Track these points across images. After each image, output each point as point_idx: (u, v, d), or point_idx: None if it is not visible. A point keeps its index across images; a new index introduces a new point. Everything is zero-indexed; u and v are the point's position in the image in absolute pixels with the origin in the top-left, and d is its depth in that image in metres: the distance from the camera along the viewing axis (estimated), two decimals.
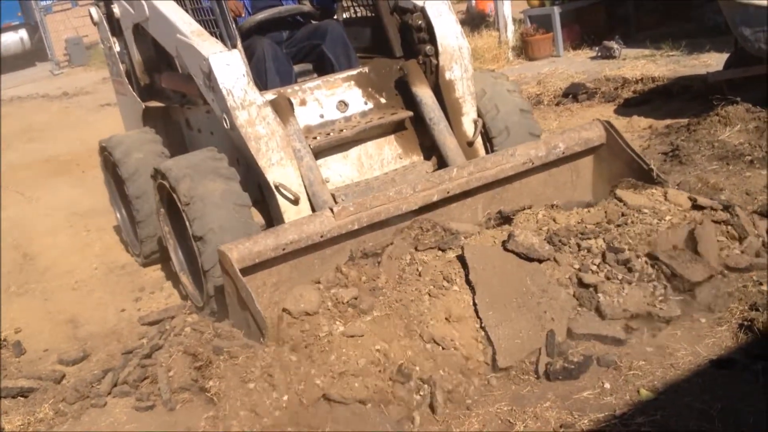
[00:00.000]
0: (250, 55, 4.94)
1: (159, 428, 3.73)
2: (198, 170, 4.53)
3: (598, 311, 3.73)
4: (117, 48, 6.40)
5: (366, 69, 5.07)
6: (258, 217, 4.64)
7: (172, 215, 4.93)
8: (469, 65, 4.96)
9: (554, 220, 4.25)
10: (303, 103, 4.83)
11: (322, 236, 3.99)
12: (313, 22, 5.65)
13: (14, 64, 24.49)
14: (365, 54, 5.48)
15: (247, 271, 3.82)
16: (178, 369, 4.03)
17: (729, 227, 4.09)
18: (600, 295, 3.76)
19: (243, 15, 5.42)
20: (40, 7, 24.58)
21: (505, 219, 4.34)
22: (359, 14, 5.91)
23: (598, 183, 4.79)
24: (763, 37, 6.16)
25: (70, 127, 12.68)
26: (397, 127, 5.04)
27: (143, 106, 6.10)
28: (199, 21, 4.86)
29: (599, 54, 10.55)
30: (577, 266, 3.91)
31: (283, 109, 4.60)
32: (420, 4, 4.94)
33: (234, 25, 4.70)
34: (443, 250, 4.02)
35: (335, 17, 5.90)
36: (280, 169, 4.45)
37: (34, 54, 25.72)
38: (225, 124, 4.48)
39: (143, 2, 5.36)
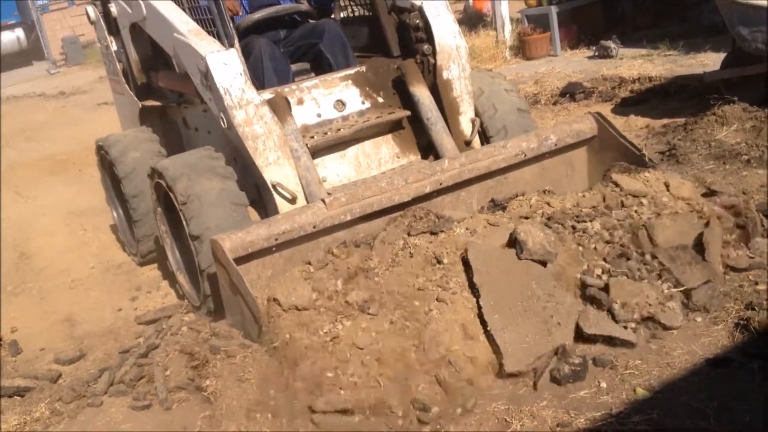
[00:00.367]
0: (247, 54, 4.93)
1: (155, 427, 3.73)
2: (195, 169, 4.53)
3: (611, 313, 3.71)
4: (114, 47, 6.39)
5: (363, 68, 5.06)
6: (255, 217, 4.63)
7: (169, 214, 4.92)
8: (466, 64, 4.96)
9: (548, 204, 4.25)
10: (300, 102, 4.82)
11: (314, 227, 3.99)
12: (311, 21, 5.64)
13: (11, 63, 24.47)
14: (363, 53, 5.48)
15: (240, 261, 3.82)
16: (174, 368, 4.04)
17: (737, 228, 4.08)
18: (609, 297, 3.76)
19: (240, 13, 5.42)
20: (36, 6, 24.57)
21: (498, 207, 4.35)
22: (357, 13, 5.90)
23: (593, 175, 4.79)
24: (760, 36, 6.17)
25: (66, 126, 12.66)
26: (394, 127, 5.04)
27: (140, 105, 6.10)
28: (196, 20, 4.85)
29: (596, 53, 10.56)
30: (581, 267, 3.90)
31: (280, 109, 4.59)
32: (417, 3, 4.94)
33: (231, 24, 4.69)
34: (435, 234, 4.02)
35: (332, 16, 5.89)
36: (277, 169, 4.44)
37: (31, 53, 25.73)
38: (222, 123, 4.48)
39: (140, 1, 5.34)
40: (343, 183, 4.82)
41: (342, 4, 6.00)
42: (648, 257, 3.90)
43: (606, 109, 7.96)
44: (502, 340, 3.54)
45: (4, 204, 8.37)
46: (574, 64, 10.54)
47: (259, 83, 4.87)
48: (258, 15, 5.33)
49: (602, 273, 3.85)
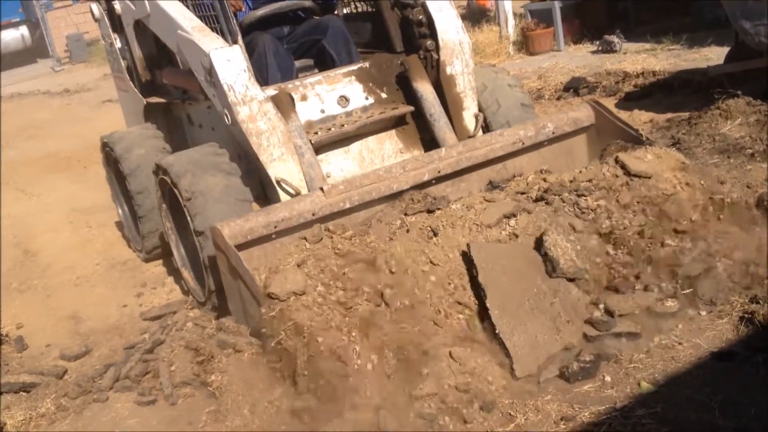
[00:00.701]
0: (251, 51, 4.93)
1: (161, 423, 3.75)
2: (199, 166, 4.54)
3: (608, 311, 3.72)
4: (118, 44, 6.38)
5: (367, 64, 5.06)
6: None
7: (174, 211, 4.93)
8: (470, 60, 4.96)
9: (544, 180, 4.25)
10: (304, 98, 4.82)
11: (313, 214, 3.99)
12: (315, 17, 5.64)
13: (15, 60, 24.53)
14: (366, 49, 5.47)
15: (240, 248, 3.81)
16: (179, 364, 4.06)
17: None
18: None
19: (243, 9, 5.42)
20: (40, 4, 24.59)
21: (495, 188, 4.36)
22: (360, 9, 5.90)
23: None
24: (763, 30, 6.15)
25: (71, 124, 12.71)
26: (398, 122, 5.04)
27: (145, 102, 6.11)
28: (199, 17, 4.85)
29: (600, 48, 10.55)
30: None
31: (284, 105, 4.60)
32: None
33: (235, 21, 4.70)
34: (431, 212, 4.04)
35: (336, 12, 5.89)
36: (281, 165, 4.45)
37: (35, 51, 25.78)
38: (226, 120, 4.48)
39: None
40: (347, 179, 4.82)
41: (345, 0, 6.00)
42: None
43: (610, 104, 7.93)
44: (512, 344, 3.52)
45: (9, 201, 8.39)
46: (577, 59, 10.53)
47: (263, 79, 4.86)
48: (261, 11, 5.32)
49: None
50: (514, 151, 4.53)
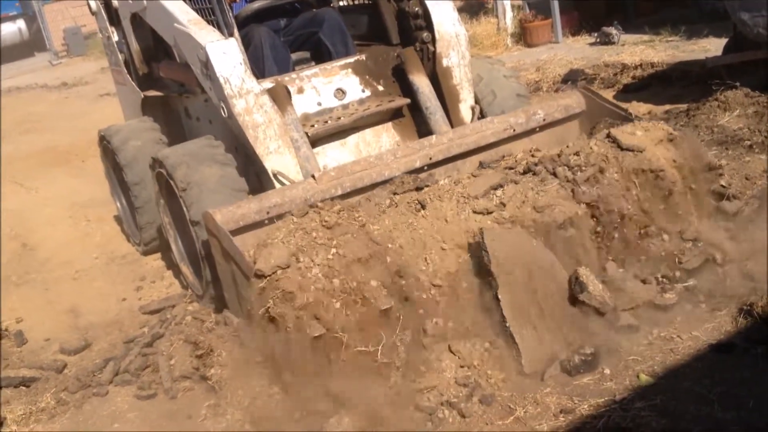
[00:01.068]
0: (247, 44, 4.93)
1: (160, 416, 3.75)
2: (195, 157, 4.55)
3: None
4: (115, 38, 6.39)
5: (363, 57, 5.06)
6: None
7: (172, 205, 4.93)
8: (466, 52, 4.96)
9: (533, 156, 4.26)
10: (300, 91, 4.82)
11: (305, 200, 4.00)
12: (311, 10, 5.63)
13: (12, 54, 24.42)
14: (363, 41, 5.47)
15: (233, 234, 3.82)
16: (179, 357, 4.06)
17: None
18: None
19: (238, 1, 5.41)
20: None
21: (486, 168, 4.36)
22: (356, 2, 5.89)
23: None
24: (761, 22, 6.15)
25: (69, 118, 12.66)
26: (394, 115, 5.04)
27: (142, 96, 6.10)
28: (196, 9, 4.85)
29: (598, 40, 10.53)
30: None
31: (280, 98, 4.60)
32: None
33: (231, 14, 4.69)
34: (420, 189, 4.06)
35: (332, 5, 5.88)
36: (277, 157, 4.45)
37: (33, 44, 25.66)
38: (223, 113, 4.49)
39: None
40: None
41: None
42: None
43: (608, 96, 7.92)
44: (521, 339, 3.52)
45: (7, 195, 8.38)
46: (575, 50, 10.51)
47: (260, 72, 4.86)
48: (258, 4, 5.32)
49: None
50: (506, 138, 4.54)
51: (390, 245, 3.66)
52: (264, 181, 4.58)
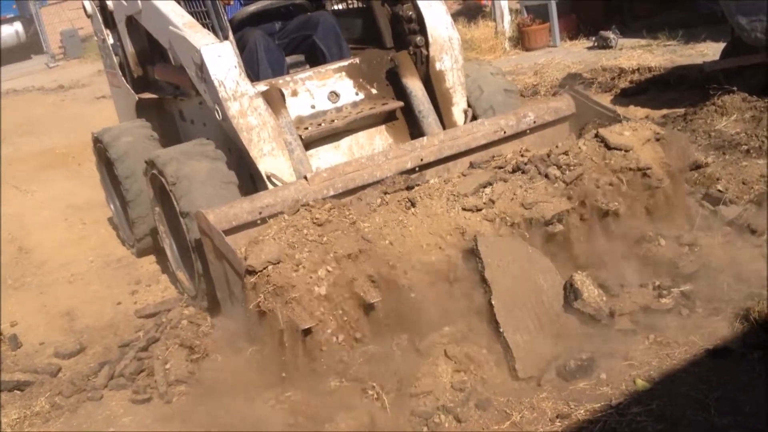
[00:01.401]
0: (242, 47, 4.96)
1: (155, 421, 3.73)
2: (185, 153, 4.61)
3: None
4: (110, 40, 6.40)
5: (357, 60, 5.10)
6: None
7: (167, 213, 4.95)
8: (459, 56, 4.99)
9: (522, 156, 4.29)
10: (295, 93, 4.86)
11: (297, 201, 4.01)
12: (306, 13, 5.65)
13: (10, 56, 24.44)
14: (357, 45, 5.50)
15: (226, 234, 3.83)
16: (174, 362, 4.05)
17: None
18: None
19: (232, 4, 5.44)
20: (34, 0, 24.52)
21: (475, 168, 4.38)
22: (351, 5, 5.93)
23: None
24: (759, 26, 6.15)
25: (65, 120, 12.65)
26: (387, 118, 5.08)
27: (137, 98, 6.11)
28: (191, 13, 4.87)
29: (596, 44, 10.54)
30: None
31: (274, 100, 4.63)
32: None
33: (226, 17, 4.71)
34: (410, 188, 4.09)
35: (327, 8, 5.91)
36: (271, 159, 4.47)
37: (30, 47, 25.71)
38: (217, 116, 4.50)
39: None
40: None
41: None
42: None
43: (605, 100, 7.94)
44: (515, 344, 3.51)
45: (4, 198, 8.36)
46: (573, 54, 10.53)
47: (254, 75, 4.90)
48: (253, 7, 5.37)
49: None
50: (497, 140, 4.57)
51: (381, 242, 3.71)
52: (258, 183, 4.60)
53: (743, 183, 4.81)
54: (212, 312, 4.39)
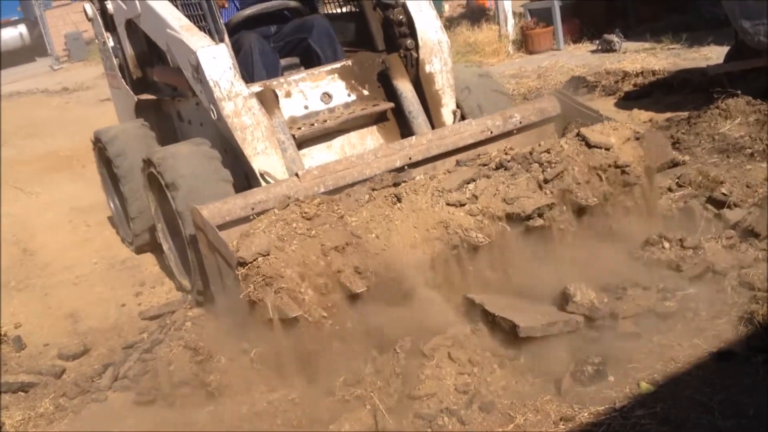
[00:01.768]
0: (237, 49, 5.08)
1: (160, 423, 3.73)
2: (182, 152, 4.78)
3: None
4: (111, 43, 6.53)
5: (349, 62, 5.21)
6: None
7: (164, 209, 5.07)
8: (448, 59, 5.09)
9: (505, 153, 4.35)
10: (288, 95, 4.96)
11: (288, 198, 4.07)
12: (301, 17, 5.75)
13: (14, 59, 24.51)
14: (350, 48, 5.60)
15: (219, 229, 3.91)
16: (178, 363, 4.04)
17: None
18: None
19: (227, 6, 5.56)
20: (39, 3, 24.58)
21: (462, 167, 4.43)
22: (344, 9, 6.08)
23: None
24: (763, 29, 6.14)
25: (69, 123, 12.68)
26: (379, 118, 5.17)
27: (136, 99, 6.23)
28: (188, 16, 4.98)
29: (599, 47, 10.54)
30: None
31: (268, 101, 4.73)
32: None
33: (221, 20, 4.82)
34: (397, 185, 4.16)
35: (321, 12, 6.01)
36: (264, 158, 4.57)
37: (34, 49, 25.77)
38: (212, 115, 4.61)
39: None
40: None
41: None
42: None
43: (609, 103, 7.95)
44: (513, 315, 3.58)
45: (8, 200, 8.38)
46: (577, 58, 10.53)
47: (249, 77, 5.00)
48: (249, 11, 5.49)
49: None
50: (483, 140, 4.67)
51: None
52: (252, 180, 4.71)
53: (747, 186, 4.80)
54: (206, 305, 4.48)
